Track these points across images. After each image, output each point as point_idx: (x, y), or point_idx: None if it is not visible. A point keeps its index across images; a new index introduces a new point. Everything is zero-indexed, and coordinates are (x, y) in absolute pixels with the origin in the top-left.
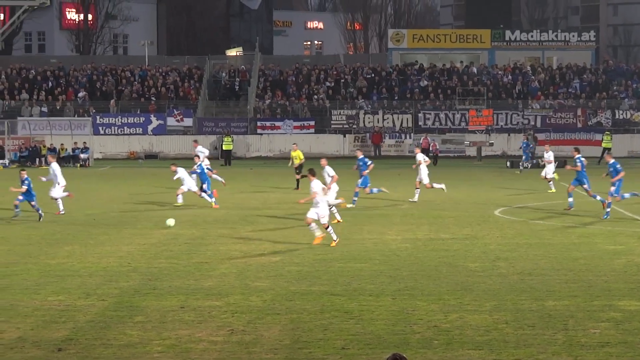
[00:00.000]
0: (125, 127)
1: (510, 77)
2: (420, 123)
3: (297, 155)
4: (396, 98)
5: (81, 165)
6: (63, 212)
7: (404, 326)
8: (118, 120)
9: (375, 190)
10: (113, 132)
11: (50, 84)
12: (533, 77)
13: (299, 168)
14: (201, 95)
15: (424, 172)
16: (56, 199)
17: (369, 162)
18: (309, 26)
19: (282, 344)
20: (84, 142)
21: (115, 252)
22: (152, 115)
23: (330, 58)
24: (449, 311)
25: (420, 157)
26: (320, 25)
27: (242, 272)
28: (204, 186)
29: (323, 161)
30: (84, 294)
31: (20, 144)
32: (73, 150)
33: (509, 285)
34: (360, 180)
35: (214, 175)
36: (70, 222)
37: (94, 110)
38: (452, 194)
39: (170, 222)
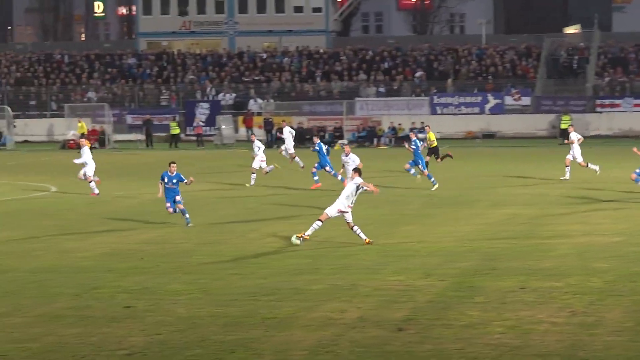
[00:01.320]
0: (462, 107)
1: None
2: None
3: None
4: None
5: None
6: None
7: None
8: (455, 99)
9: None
10: (450, 112)
11: (387, 64)
12: None
13: (436, 152)
14: (539, 73)
15: (577, 150)
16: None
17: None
18: None
19: (625, 326)
20: (422, 122)
21: (453, 233)
22: (489, 94)
23: None
24: None
25: (574, 136)
26: None
27: (582, 253)
28: (327, 168)
29: (347, 148)
30: (424, 274)
31: (358, 125)
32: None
33: None
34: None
35: (296, 159)
36: (406, 202)
37: (433, 90)
38: None
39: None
